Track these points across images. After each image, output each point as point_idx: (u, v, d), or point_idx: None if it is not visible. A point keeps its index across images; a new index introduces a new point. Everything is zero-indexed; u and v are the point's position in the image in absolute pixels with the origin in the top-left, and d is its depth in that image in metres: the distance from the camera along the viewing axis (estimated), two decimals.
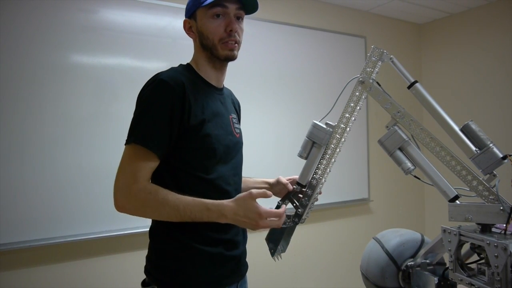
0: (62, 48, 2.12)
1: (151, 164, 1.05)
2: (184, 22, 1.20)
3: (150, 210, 1.05)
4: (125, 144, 1.08)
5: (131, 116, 1.11)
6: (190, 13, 1.19)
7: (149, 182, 1.06)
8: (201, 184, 1.11)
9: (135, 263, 2.30)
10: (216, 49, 1.15)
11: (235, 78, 2.68)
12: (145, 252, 1.20)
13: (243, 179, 1.34)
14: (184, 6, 1.23)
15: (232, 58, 1.18)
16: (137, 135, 1.05)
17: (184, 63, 1.26)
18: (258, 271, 2.82)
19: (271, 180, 1.39)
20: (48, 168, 2.07)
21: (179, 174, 1.11)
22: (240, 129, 1.30)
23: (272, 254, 1.23)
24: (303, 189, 1.22)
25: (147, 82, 1.12)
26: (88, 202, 2.15)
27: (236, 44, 1.17)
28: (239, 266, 1.22)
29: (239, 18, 1.17)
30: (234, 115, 1.28)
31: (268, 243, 1.25)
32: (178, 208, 1.02)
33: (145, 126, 1.05)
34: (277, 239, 1.23)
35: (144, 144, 1.03)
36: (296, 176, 1.29)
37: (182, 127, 1.07)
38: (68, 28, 2.13)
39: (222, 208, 1.03)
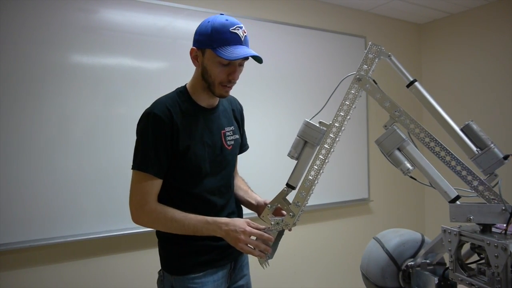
0: (62, 48, 2.12)
1: (156, 185, 1.25)
2: (192, 50, 1.27)
3: (160, 225, 1.27)
4: (131, 169, 1.25)
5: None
6: (200, 46, 1.24)
7: (158, 203, 1.25)
8: (187, 196, 1.29)
9: (135, 263, 2.30)
10: (214, 88, 1.27)
11: None
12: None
13: (244, 188, 1.52)
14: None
15: (225, 97, 1.32)
16: (139, 162, 1.24)
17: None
18: (258, 270, 2.81)
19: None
20: (48, 168, 2.06)
21: (169, 188, 1.28)
22: (234, 139, 1.40)
23: (261, 261, 1.23)
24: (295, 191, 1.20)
25: (142, 115, 1.26)
26: (88, 202, 2.14)
27: (231, 86, 1.29)
28: (228, 252, 1.34)
29: (241, 65, 1.28)
30: (228, 128, 1.38)
31: None
32: (184, 224, 1.22)
33: (144, 154, 1.23)
34: None
35: (145, 170, 1.23)
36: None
37: (173, 151, 1.24)
38: (68, 28, 2.13)
39: (219, 221, 1.24)
